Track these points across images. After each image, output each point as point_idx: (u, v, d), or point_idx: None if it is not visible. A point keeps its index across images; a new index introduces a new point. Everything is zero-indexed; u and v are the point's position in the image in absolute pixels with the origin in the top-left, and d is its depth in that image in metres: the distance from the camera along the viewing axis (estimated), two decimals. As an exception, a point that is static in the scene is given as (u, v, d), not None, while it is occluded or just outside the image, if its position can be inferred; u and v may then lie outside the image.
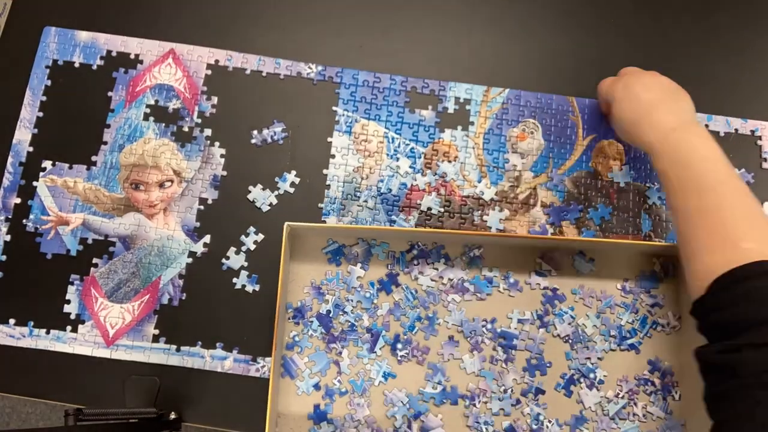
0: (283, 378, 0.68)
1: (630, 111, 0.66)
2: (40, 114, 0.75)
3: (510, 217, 0.74)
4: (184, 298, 0.70)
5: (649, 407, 0.68)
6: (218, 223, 0.72)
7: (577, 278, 0.71)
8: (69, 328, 0.69)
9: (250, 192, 0.73)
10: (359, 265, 0.70)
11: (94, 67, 0.76)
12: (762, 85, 0.79)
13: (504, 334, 0.69)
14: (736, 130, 0.77)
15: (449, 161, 0.75)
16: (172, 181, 0.74)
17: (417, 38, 0.79)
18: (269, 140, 0.75)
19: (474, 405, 0.67)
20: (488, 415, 0.67)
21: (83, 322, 0.70)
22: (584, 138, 0.76)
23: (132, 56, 0.77)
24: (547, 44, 0.80)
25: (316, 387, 0.67)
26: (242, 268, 0.71)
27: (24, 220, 0.72)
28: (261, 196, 0.73)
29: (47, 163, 0.74)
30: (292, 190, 0.73)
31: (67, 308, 0.70)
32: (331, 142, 0.75)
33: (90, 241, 0.72)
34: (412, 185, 0.74)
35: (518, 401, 0.67)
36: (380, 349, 0.68)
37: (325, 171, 0.74)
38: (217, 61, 0.77)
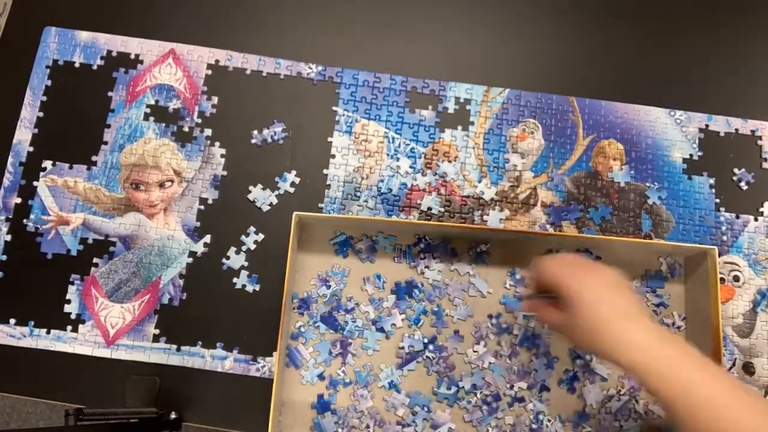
0: (288, 368, 0.68)
1: (606, 316, 0.52)
2: (41, 114, 0.75)
3: (510, 217, 0.74)
4: (184, 297, 0.70)
5: (651, 405, 0.68)
6: (218, 223, 0.72)
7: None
8: (69, 327, 0.69)
9: (250, 192, 0.73)
10: (365, 257, 0.71)
11: (95, 67, 0.76)
12: (762, 85, 0.79)
13: (509, 329, 0.69)
14: (737, 130, 0.77)
15: (449, 161, 0.75)
16: (172, 181, 0.74)
17: (417, 38, 0.79)
18: (269, 140, 0.75)
19: (480, 400, 0.67)
20: (493, 410, 0.67)
21: (83, 322, 0.70)
22: (584, 138, 0.76)
23: (132, 56, 0.77)
24: (547, 44, 0.80)
25: (320, 377, 0.67)
26: (242, 267, 0.71)
27: (24, 220, 0.72)
28: (261, 196, 0.73)
29: (47, 163, 0.74)
30: (292, 189, 0.73)
31: (67, 308, 0.70)
32: (331, 142, 0.75)
33: (90, 241, 0.72)
34: (412, 185, 0.74)
35: (522, 398, 0.68)
36: (413, 364, 0.68)
37: (325, 171, 0.74)
38: (217, 61, 0.77)
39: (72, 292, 0.70)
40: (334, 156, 0.75)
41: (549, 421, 0.67)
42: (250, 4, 0.79)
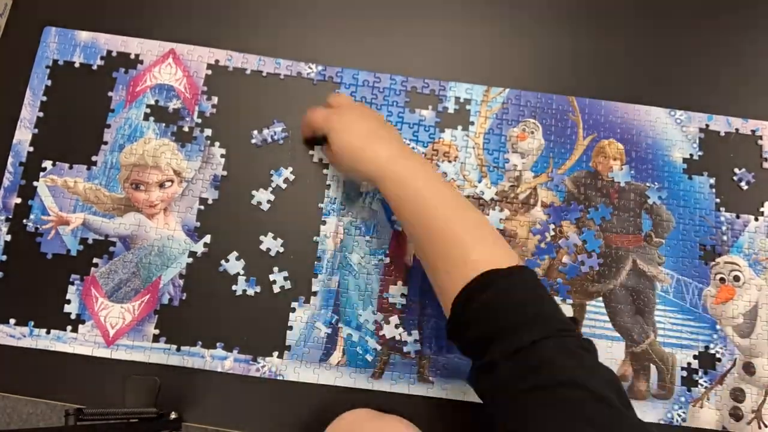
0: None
1: (350, 140, 0.64)
2: (41, 114, 0.75)
3: (510, 217, 0.73)
4: (184, 297, 0.70)
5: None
6: (218, 223, 0.72)
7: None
8: (69, 328, 0.69)
9: (253, 196, 0.73)
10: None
11: (95, 67, 0.76)
12: (762, 85, 0.79)
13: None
14: (737, 129, 0.77)
15: (449, 161, 0.75)
16: (172, 181, 0.74)
17: (417, 38, 0.79)
18: (269, 140, 0.75)
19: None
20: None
21: (83, 322, 0.70)
22: (584, 138, 0.76)
23: (132, 56, 0.77)
24: (547, 44, 0.80)
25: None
26: (242, 271, 0.71)
27: (24, 220, 0.72)
28: (263, 198, 0.73)
29: (47, 163, 0.74)
30: (284, 185, 0.73)
31: (67, 308, 0.70)
32: (331, 142, 0.75)
33: (90, 241, 0.72)
34: (412, 185, 0.74)
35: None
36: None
37: (325, 171, 0.74)
38: (217, 61, 0.77)
39: (72, 292, 0.70)
40: (334, 156, 0.75)
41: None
42: (250, 4, 0.79)
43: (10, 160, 0.73)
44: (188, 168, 0.74)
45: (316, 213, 0.73)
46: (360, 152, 0.63)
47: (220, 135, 0.75)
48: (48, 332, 0.69)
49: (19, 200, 0.72)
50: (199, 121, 0.75)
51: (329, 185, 0.74)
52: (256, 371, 0.69)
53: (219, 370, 0.69)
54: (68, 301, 0.70)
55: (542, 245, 0.73)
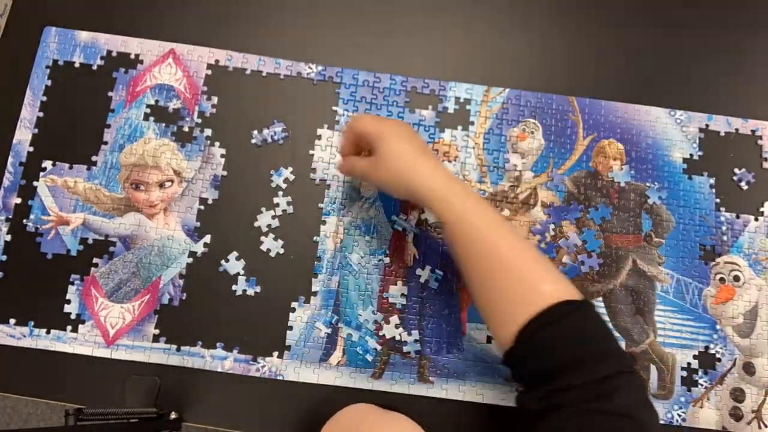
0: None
1: (408, 149, 0.61)
2: (41, 114, 0.75)
3: (510, 217, 0.73)
4: (184, 297, 0.70)
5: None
6: (218, 223, 0.72)
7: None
8: (69, 328, 0.69)
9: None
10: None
11: (95, 67, 0.76)
12: (762, 84, 0.79)
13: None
14: (737, 129, 0.77)
15: (449, 161, 0.75)
16: (172, 181, 0.74)
17: (417, 38, 0.79)
18: (269, 140, 0.75)
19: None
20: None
21: (83, 322, 0.70)
22: (584, 138, 0.76)
23: (132, 56, 0.77)
24: (547, 44, 0.80)
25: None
26: (242, 270, 0.71)
27: (24, 220, 0.72)
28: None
29: (47, 163, 0.74)
30: (284, 185, 0.73)
31: (67, 308, 0.70)
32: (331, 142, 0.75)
33: (90, 241, 0.72)
34: (412, 185, 0.74)
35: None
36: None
37: (325, 171, 0.74)
38: (217, 61, 0.77)
39: (72, 292, 0.70)
40: (334, 156, 0.75)
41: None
42: (250, 4, 0.79)
43: (10, 160, 0.73)
44: (188, 168, 0.74)
45: (316, 213, 0.73)
46: (413, 163, 0.60)
47: (220, 135, 0.75)
48: (48, 332, 0.69)
49: (19, 200, 0.73)
50: (199, 121, 0.75)
51: (329, 185, 0.74)
52: (256, 371, 0.69)
53: (219, 370, 0.69)
54: (68, 301, 0.70)
55: (542, 245, 0.73)
